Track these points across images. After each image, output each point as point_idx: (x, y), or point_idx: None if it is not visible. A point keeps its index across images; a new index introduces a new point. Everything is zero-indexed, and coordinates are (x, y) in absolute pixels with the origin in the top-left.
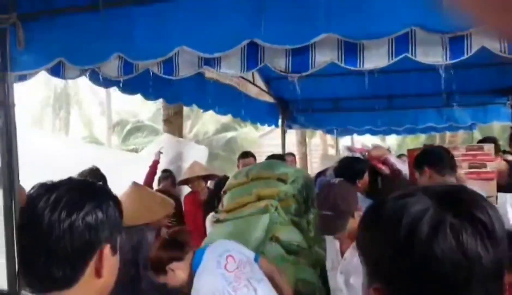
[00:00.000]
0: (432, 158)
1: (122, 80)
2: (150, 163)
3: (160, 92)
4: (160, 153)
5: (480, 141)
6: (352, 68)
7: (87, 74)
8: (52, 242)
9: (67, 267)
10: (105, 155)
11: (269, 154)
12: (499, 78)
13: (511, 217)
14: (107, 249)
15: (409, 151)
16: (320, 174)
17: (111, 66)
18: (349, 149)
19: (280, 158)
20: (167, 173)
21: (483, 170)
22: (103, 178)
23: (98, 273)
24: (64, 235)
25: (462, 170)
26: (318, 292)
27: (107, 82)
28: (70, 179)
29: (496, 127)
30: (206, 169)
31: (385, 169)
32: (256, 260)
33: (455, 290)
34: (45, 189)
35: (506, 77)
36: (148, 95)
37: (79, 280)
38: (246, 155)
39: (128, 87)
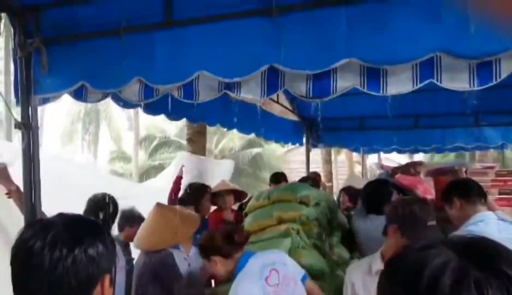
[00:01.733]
0: (460, 189)
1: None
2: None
3: (183, 112)
4: (182, 167)
5: None
6: (375, 93)
7: (110, 97)
8: (55, 278)
9: None
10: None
11: (297, 170)
12: None
13: None
14: (107, 280)
15: (435, 177)
16: (344, 190)
17: (132, 90)
18: (381, 166)
19: (282, 176)
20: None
21: None
22: (114, 205)
23: None
24: (68, 271)
25: (492, 196)
26: None
27: (129, 104)
28: (62, 215)
29: None
30: (234, 186)
31: (418, 192)
32: (303, 280)
33: None
34: (40, 228)
35: None
36: (171, 116)
37: None
38: (279, 180)
39: (151, 108)
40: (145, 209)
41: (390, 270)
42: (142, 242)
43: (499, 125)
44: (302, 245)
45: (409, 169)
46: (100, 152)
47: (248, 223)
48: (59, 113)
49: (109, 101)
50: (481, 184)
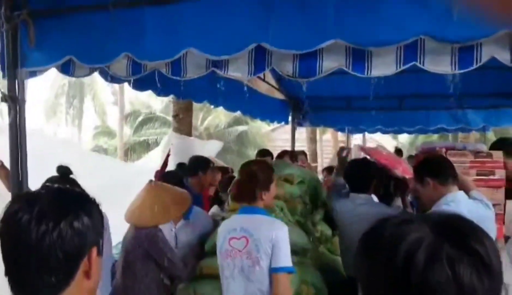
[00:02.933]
0: (433, 169)
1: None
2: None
3: (171, 89)
4: (168, 154)
5: (496, 142)
6: (359, 75)
7: (97, 72)
8: (43, 252)
9: (60, 273)
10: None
11: (282, 148)
12: None
13: None
14: (94, 252)
15: (417, 155)
16: (327, 169)
17: (120, 66)
18: (362, 149)
19: (268, 153)
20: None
21: (491, 177)
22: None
23: (87, 275)
24: (54, 244)
25: (470, 177)
26: (322, 293)
27: (117, 79)
28: (48, 188)
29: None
30: (221, 163)
31: (397, 172)
32: (276, 271)
33: None
34: (26, 201)
35: None
36: (158, 92)
37: (70, 284)
38: (263, 153)
39: (139, 84)
40: (130, 190)
41: (367, 243)
42: (132, 217)
43: (481, 108)
44: (285, 222)
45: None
46: (85, 126)
47: (232, 199)
48: (42, 87)
49: (94, 75)
50: (459, 165)
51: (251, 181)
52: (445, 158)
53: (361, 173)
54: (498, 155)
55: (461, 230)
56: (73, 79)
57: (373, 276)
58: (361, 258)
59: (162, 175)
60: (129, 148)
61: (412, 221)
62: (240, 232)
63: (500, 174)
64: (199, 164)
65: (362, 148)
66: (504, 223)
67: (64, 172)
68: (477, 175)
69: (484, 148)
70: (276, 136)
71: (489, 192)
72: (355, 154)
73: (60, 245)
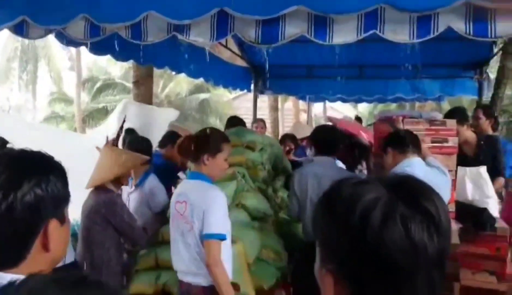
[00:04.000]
0: (394, 140)
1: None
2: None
3: (130, 53)
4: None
5: (450, 111)
6: (321, 42)
7: (53, 34)
8: None
9: (10, 249)
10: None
11: (243, 116)
12: (468, 53)
13: (469, 191)
14: (52, 224)
15: (375, 123)
16: (287, 137)
17: (77, 28)
18: (329, 119)
19: (239, 121)
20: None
21: (444, 144)
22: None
23: (45, 248)
24: (2, 219)
25: (425, 144)
26: (283, 257)
27: (74, 43)
28: (5, 153)
29: (465, 99)
30: (187, 130)
31: (361, 139)
32: (206, 237)
33: (402, 276)
34: None
35: (475, 51)
36: (118, 56)
37: (26, 258)
38: (234, 122)
39: (97, 48)
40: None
41: (325, 202)
42: (90, 181)
43: (438, 77)
44: (247, 188)
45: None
46: (39, 92)
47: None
48: None
49: (49, 38)
50: (415, 132)
51: (197, 140)
52: (411, 132)
53: (327, 137)
54: (452, 123)
55: (414, 190)
56: (26, 42)
57: (331, 235)
58: (320, 218)
59: (129, 141)
60: (87, 114)
61: (369, 182)
62: (182, 196)
63: (453, 141)
64: (170, 136)
65: (330, 118)
66: (455, 188)
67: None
68: (432, 142)
69: (439, 116)
70: (238, 104)
71: (443, 158)
72: (316, 122)
73: (8, 221)
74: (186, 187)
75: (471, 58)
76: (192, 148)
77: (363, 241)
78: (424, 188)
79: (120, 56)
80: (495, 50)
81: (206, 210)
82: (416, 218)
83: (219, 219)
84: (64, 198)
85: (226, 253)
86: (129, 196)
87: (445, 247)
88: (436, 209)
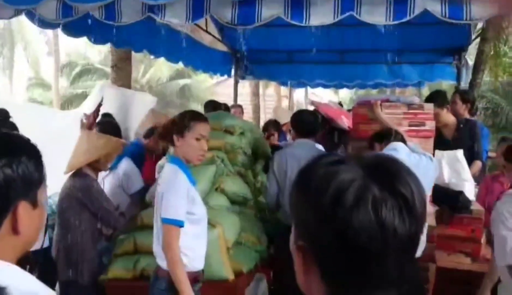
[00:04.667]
0: (380, 137)
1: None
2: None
3: (108, 36)
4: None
5: (431, 94)
6: (298, 23)
7: (24, 14)
8: None
9: None
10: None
11: (225, 102)
12: (447, 38)
13: (446, 175)
14: (23, 206)
15: (354, 108)
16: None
17: (48, 8)
18: (312, 102)
19: (217, 105)
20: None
21: (422, 128)
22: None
23: (14, 230)
24: None
25: (403, 128)
26: (262, 241)
27: (46, 24)
28: None
29: (445, 85)
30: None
31: (341, 124)
32: (163, 221)
33: (369, 259)
34: None
35: (453, 37)
36: (94, 39)
37: None
38: (213, 107)
39: (71, 30)
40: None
41: (301, 180)
42: (68, 165)
43: (416, 63)
44: (226, 172)
45: None
46: (17, 78)
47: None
48: None
49: (25, 23)
50: (393, 116)
51: (168, 123)
52: (396, 131)
53: (306, 120)
54: (429, 106)
55: (390, 172)
56: (2, 26)
57: (303, 213)
58: (294, 194)
59: (100, 129)
60: (66, 100)
61: (345, 162)
62: (159, 179)
63: (430, 125)
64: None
65: (313, 101)
66: None
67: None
68: (409, 125)
69: (417, 100)
70: (220, 90)
71: (420, 142)
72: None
73: None
74: (163, 170)
75: (450, 44)
76: (166, 131)
77: (332, 222)
78: (400, 170)
79: (97, 39)
80: (473, 36)
81: (163, 194)
82: (388, 202)
83: (176, 204)
84: (37, 180)
85: (192, 239)
86: (104, 179)
87: (418, 231)
88: (411, 192)
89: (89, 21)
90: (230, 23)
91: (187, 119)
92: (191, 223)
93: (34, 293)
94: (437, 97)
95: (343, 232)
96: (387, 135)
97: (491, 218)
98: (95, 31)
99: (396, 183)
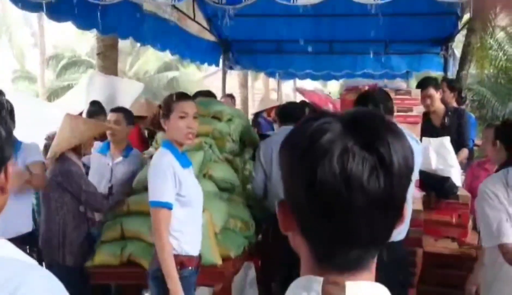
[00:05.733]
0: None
1: (44, 4)
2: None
3: (93, 21)
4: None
5: (423, 79)
6: (285, 3)
7: None
8: None
9: None
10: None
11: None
12: (434, 28)
13: (433, 161)
14: (11, 166)
15: (342, 94)
16: (258, 114)
17: None
18: (298, 90)
19: (206, 94)
20: None
21: (409, 113)
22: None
23: (2, 190)
24: None
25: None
26: (250, 227)
27: (29, 6)
28: None
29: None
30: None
31: (328, 110)
32: (152, 205)
33: (337, 215)
34: None
35: (441, 27)
36: (79, 24)
37: None
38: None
39: (57, 13)
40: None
41: (285, 138)
42: (51, 150)
43: (404, 53)
44: (214, 158)
45: None
46: (1, 70)
47: (160, 136)
48: None
49: (10, 14)
50: None
51: (159, 110)
52: (385, 92)
53: (289, 106)
54: (416, 92)
55: (369, 127)
56: None
57: (283, 168)
58: (280, 155)
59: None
60: (52, 92)
61: (327, 117)
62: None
63: (417, 110)
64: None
65: (298, 88)
66: None
67: None
68: (397, 111)
69: (404, 86)
70: (208, 83)
71: (407, 127)
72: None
73: None
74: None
75: (437, 34)
76: (156, 119)
77: (301, 174)
78: (381, 126)
79: (81, 24)
80: (460, 26)
81: (148, 178)
82: (357, 156)
83: (160, 187)
84: (14, 139)
85: (181, 222)
86: (114, 164)
87: (395, 192)
88: (388, 150)
89: (74, 1)
90: (217, 2)
91: (170, 100)
92: (181, 205)
93: (14, 260)
94: (432, 80)
95: (310, 184)
96: (372, 99)
97: (476, 200)
98: (79, 15)
99: (373, 139)
